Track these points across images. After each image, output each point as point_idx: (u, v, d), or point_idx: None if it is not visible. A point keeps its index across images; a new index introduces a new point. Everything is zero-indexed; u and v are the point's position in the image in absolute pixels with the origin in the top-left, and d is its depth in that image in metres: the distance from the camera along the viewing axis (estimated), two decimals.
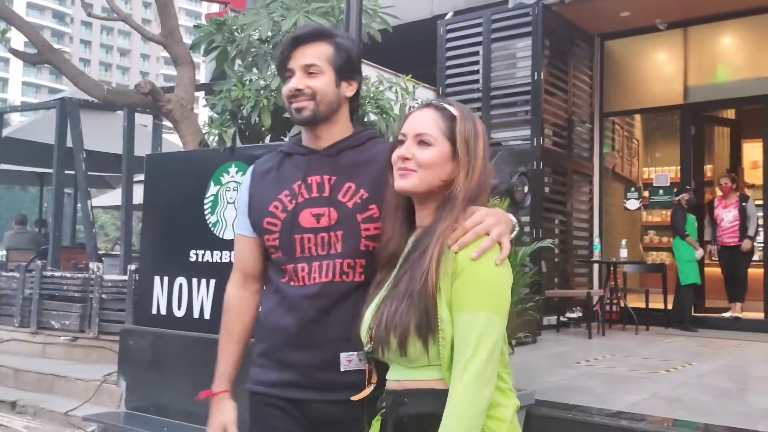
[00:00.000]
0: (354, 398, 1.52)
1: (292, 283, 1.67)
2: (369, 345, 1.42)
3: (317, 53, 1.71)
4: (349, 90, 1.75)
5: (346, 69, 1.73)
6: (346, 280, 1.63)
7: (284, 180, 1.73)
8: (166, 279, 5.03)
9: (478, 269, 1.34)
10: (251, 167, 1.85)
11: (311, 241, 1.66)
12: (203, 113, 7.61)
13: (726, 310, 7.87)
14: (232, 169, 4.74)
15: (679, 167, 8.78)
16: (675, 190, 8.41)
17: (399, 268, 1.45)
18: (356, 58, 1.78)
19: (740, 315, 7.66)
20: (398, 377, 1.41)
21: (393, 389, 1.42)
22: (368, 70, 5.91)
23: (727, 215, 7.90)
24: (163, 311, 5.02)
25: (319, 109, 1.69)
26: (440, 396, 1.33)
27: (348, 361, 1.60)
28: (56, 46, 5.73)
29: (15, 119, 16.42)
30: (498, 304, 1.34)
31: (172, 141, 9.44)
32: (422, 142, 1.43)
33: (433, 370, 1.36)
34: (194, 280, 4.87)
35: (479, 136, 1.46)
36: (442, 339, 1.33)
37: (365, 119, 4.82)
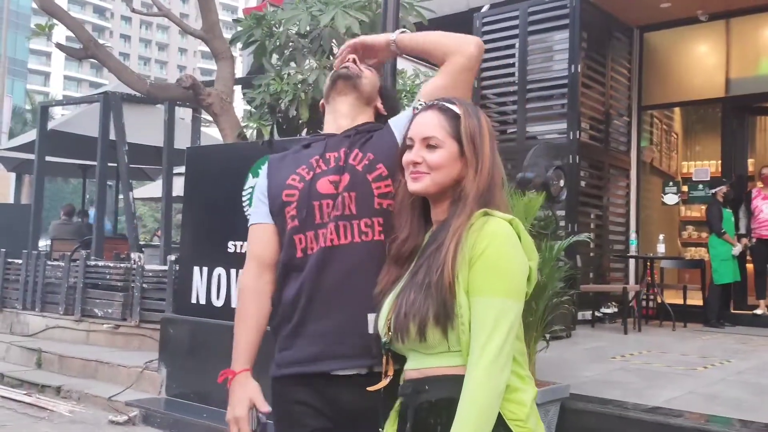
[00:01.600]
0: (371, 389, 1.53)
1: (309, 252, 1.70)
2: (387, 336, 1.46)
3: (369, 72, 1.89)
4: (379, 102, 1.90)
5: (380, 97, 1.92)
6: (365, 240, 1.68)
7: (302, 159, 1.81)
8: (205, 269, 5.13)
9: (493, 254, 1.37)
10: (268, 160, 1.91)
11: (330, 206, 1.71)
12: (241, 107, 7.72)
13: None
14: None
15: (719, 161, 8.62)
16: (711, 184, 8.25)
17: (416, 261, 1.49)
18: (394, 101, 2.01)
19: None
20: (417, 365, 1.44)
21: (412, 378, 1.44)
22: (404, 64, 5.95)
23: (766, 207, 7.69)
24: (203, 301, 5.13)
25: (360, 78, 1.83)
26: (460, 381, 1.34)
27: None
28: (98, 41, 5.87)
29: (57, 112, 16.83)
30: (513, 288, 1.37)
31: (211, 134, 9.60)
32: (430, 146, 1.48)
33: (453, 356, 1.39)
34: (233, 271, 4.96)
35: (485, 132, 1.49)
36: (461, 324, 1.36)
37: (399, 111, 4.86)
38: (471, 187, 1.45)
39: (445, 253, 1.39)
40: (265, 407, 1.71)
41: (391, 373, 1.49)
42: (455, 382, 1.35)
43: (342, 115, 1.84)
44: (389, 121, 1.82)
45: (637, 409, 3.64)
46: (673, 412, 3.56)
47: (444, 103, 1.51)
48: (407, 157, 1.52)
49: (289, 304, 1.74)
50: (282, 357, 1.76)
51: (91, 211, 10.80)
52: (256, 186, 1.89)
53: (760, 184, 8.07)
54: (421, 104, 1.58)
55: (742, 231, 7.98)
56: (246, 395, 1.71)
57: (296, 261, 1.73)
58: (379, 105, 1.90)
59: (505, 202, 1.50)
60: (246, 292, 1.82)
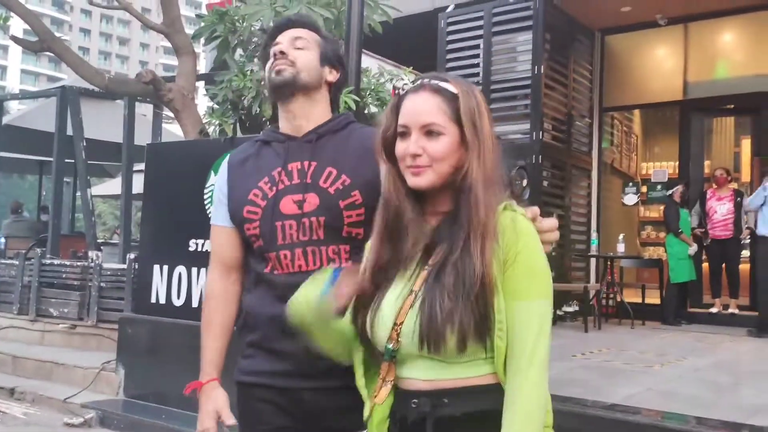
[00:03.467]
0: (376, 401, 1.38)
1: (276, 272, 1.66)
2: (395, 342, 1.30)
3: (305, 33, 1.75)
4: (331, 75, 1.75)
5: (331, 57, 1.75)
6: (334, 267, 1.62)
7: (263, 168, 1.72)
8: (165, 268, 5.05)
9: (530, 255, 1.29)
10: (227, 157, 1.82)
11: (293, 227, 1.64)
12: (203, 103, 7.61)
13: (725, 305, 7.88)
14: None
15: (677, 163, 8.80)
16: (669, 184, 8.42)
17: (433, 258, 1.32)
18: (340, 55, 1.81)
19: (736, 311, 7.69)
20: (430, 376, 1.30)
21: (423, 389, 1.31)
22: (369, 62, 5.92)
23: (720, 208, 7.83)
24: (162, 300, 5.04)
25: (299, 75, 1.68)
26: (492, 392, 1.27)
27: None
28: (56, 34, 5.73)
29: (14, 107, 16.40)
30: (548, 289, 1.31)
31: (172, 131, 9.45)
32: (431, 132, 1.31)
33: (480, 365, 1.28)
34: (194, 269, 4.89)
35: (483, 111, 1.33)
36: (499, 330, 1.26)
37: (365, 111, 4.84)
38: (477, 175, 1.29)
39: (480, 256, 1.25)
40: (230, 420, 1.68)
41: (392, 378, 1.34)
42: (487, 392, 1.27)
43: (296, 116, 1.73)
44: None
45: (595, 406, 3.68)
46: (630, 409, 3.61)
47: (437, 82, 1.33)
48: (403, 148, 1.33)
49: (255, 316, 1.71)
50: (247, 365, 1.73)
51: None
52: (217, 185, 1.81)
53: (714, 186, 8.25)
54: (405, 84, 1.38)
55: (694, 225, 8.01)
56: (213, 407, 1.70)
57: (264, 275, 1.70)
58: (330, 77, 1.75)
59: (502, 182, 1.36)
60: (212, 296, 1.79)
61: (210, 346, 1.75)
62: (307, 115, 1.72)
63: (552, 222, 1.40)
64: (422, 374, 1.30)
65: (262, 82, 4.36)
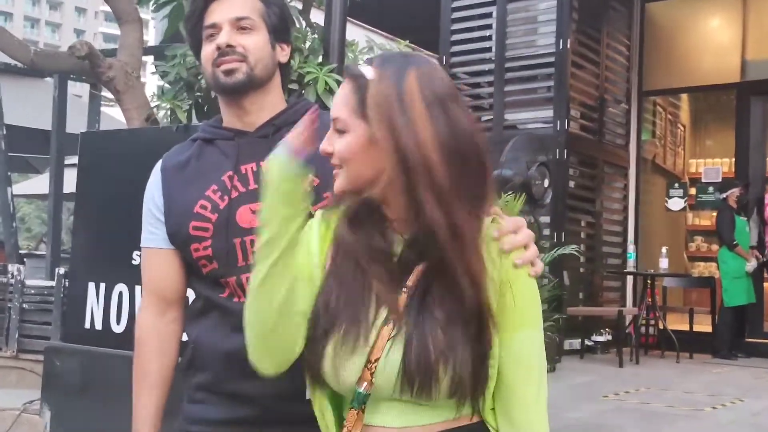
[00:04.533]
0: None
1: (235, 299, 1.64)
2: (366, 385, 1.29)
3: (246, 4, 1.68)
4: (282, 55, 1.73)
5: (280, 28, 1.72)
6: None
7: (209, 172, 1.68)
8: (102, 286, 5.02)
9: (524, 284, 1.32)
10: (158, 163, 1.78)
11: (255, 243, 1.65)
12: (152, 82, 7.60)
13: None
14: None
15: (733, 159, 8.85)
16: (722, 185, 8.44)
17: (412, 280, 1.31)
18: (288, 15, 1.77)
19: None
20: (404, 423, 1.31)
21: None
22: (355, 32, 5.94)
23: None
24: (99, 325, 5.02)
25: (254, 72, 1.66)
26: (478, 431, 1.33)
27: None
28: None
29: None
30: (541, 321, 1.37)
31: (113, 116, 9.44)
32: (338, 130, 1.32)
33: (465, 405, 1.30)
34: (137, 288, 4.88)
35: (411, 95, 1.25)
36: (491, 368, 1.30)
37: None
38: (394, 181, 1.25)
39: (470, 281, 1.25)
40: None
41: (359, 430, 1.33)
42: None
43: (247, 111, 1.71)
44: None
45: None
46: None
47: (357, 69, 1.30)
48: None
49: (207, 352, 1.68)
50: (196, 412, 1.71)
51: None
52: (147, 196, 1.76)
53: None
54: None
55: (753, 243, 8.12)
56: None
57: (219, 301, 1.67)
58: (282, 57, 1.72)
59: (491, 197, 1.32)
60: (145, 340, 1.75)
61: (144, 402, 1.72)
62: (259, 107, 1.71)
63: (514, 223, 1.35)
64: (396, 421, 1.31)
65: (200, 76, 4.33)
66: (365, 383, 1.28)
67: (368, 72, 1.27)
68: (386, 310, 1.29)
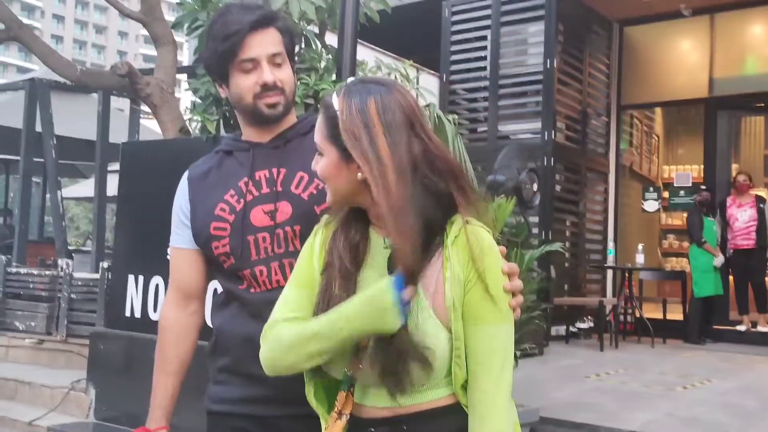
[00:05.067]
0: None
1: (252, 290, 1.66)
2: (354, 370, 1.33)
3: (276, 40, 1.69)
4: (296, 77, 1.77)
5: (293, 54, 1.75)
6: None
7: (228, 179, 1.71)
8: (141, 278, 5.03)
9: (494, 277, 1.33)
10: (185, 173, 1.81)
11: (267, 240, 1.64)
12: (185, 98, 7.60)
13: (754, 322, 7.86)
14: None
15: (702, 166, 8.80)
16: (693, 189, 8.41)
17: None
18: (294, 34, 1.80)
19: (766, 329, 7.67)
20: (387, 403, 1.34)
21: (380, 417, 1.35)
22: (365, 53, 5.92)
23: (741, 215, 7.83)
24: (138, 313, 5.02)
25: (288, 102, 1.70)
26: (454, 412, 1.33)
27: None
28: (26, 21, 5.72)
29: None
30: (510, 312, 1.35)
31: (151, 127, 9.44)
32: (319, 153, 1.38)
33: (441, 388, 1.33)
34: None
35: (374, 124, 1.28)
36: (457, 358, 1.31)
37: None
38: (381, 202, 1.27)
39: (436, 281, 1.30)
40: None
41: (349, 411, 1.37)
42: (449, 413, 1.33)
43: (270, 131, 1.73)
44: None
45: None
46: None
47: (327, 98, 1.36)
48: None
49: (228, 338, 1.70)
50: (219, 392, 1.72)
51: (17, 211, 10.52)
52: (177, 203, 1.79)
53: (734, 192, 8.21)
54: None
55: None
56: None
57: (238, 292, 1.69)
58: (296, 76, 1.76)
59: (479, 209, 1.37)
60: (168, 329, 1.77)
61: (162, 386, 1.74)
62: (279, 126, 1.74)
63: (519, 284, 1.39)
64: (381, 401, 1.34)
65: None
66: (353, 367, 1.33)
67: (336, 103, 1.32)
68: None
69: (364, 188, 1.31)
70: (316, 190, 1.65)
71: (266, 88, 1.66)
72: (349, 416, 1.36)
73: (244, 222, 1.66)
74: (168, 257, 5.14)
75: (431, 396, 1.33)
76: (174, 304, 1.78)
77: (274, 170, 1.69)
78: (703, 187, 8.06)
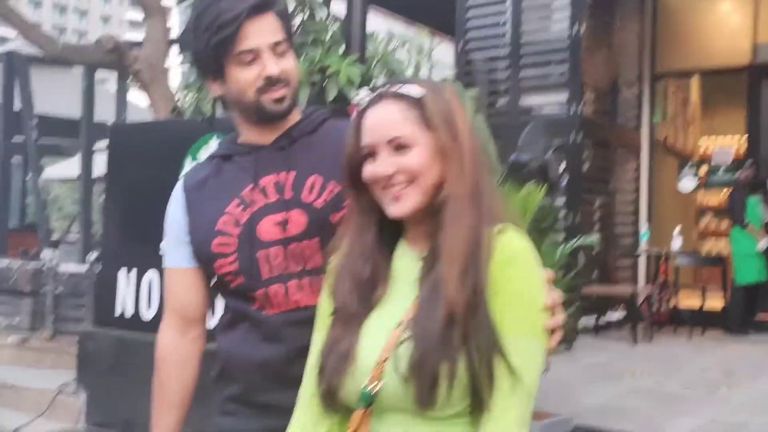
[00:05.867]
0: None
1: (266, 311, 1.59)
2: (376, 383, 1.28)
3: (275, 26, 1.60)
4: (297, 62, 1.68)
5: (292, 41, 1.66)
6: None
7: (229, 188, 1.62)
8: (133, 272, 4.99)
9: (520, 283, 1.29)
10: (179, 182, 1.72)
11: (279, 256, 1.56)
12: (177, 71, 7.51)
13: None
14: (214, 143, 4.68)
15: (743, 138, 8.68)
16: (736, 166, 8.31)
17: (422, 287, 1.31)
18: (290, 19, 1.71)
19: None
20: (401, 429, 1.29)
21: None
22: (376, 22, 5.83)
23: None
24: (130, 311, 4.99)
25: (294, 95, 1.61)
26: None
27: None
28: None
29: None
30: (542, 331, 1.30)
31: (140, 104, 9.37)
32: (399, 146, 1.30)
33: (465, 425, 1.28)
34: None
35: (458, 111, 1.33)
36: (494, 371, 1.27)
37: (370, 83, 4.75)
38: (458, 187, 1.29)
39: (459, 288, 1.25)
40: None
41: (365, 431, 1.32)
42: None
43: (273, 130, 1.64)
44: None
45: None
46: None
47: (395, 88, 1.32)
48: (372, 171, 1.32)
49: (238, 364, 1.63)
50: (229, 425, 1.66)
51: None
52: (170, 217, 1.70)
53: None
54: (363, 99, 1.35)
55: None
56: None
57: (249, 313, 1.61)
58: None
59: (497, 196, 1.37)
60: (166, 359, 1.70)
61: (164, 422, 1.69)
62: (283, 123, 1.65)
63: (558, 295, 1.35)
64: (398, 429, 1.29)
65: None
66: (375, 382, 1.27)
67: (415, 90, 1.31)
68: (398, 316, 1.30)
69: (438, 189, 1.31)
70: (332, 196, 1.57)
71: (270, 81, 1.57)
72: None
73: (251, 236, 1.58)
74: (161, 251, 5.09)
75: (454, 430, 1.28)
76: (172, 331, 1.70)
77: (282, 174, 1.60)
78: (749, 162, 7.90)
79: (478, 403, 1.26)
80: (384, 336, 1.29)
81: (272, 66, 1.57)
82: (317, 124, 1.67)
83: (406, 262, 1.37)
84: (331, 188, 1.58)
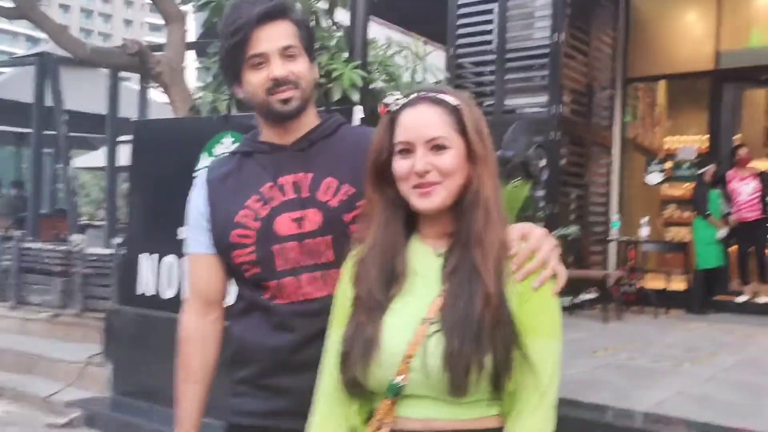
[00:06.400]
0: None
1: (276, 301, 1.55)
2: (405, 377, 1.25)
3: (288, 32, 1.55)
4: (316, 72, 1.63)
5: (311, 47, 1.61)
6: None
7: (249, 184, 1.58)
8: (154, 257, 4.94)
9: (546, 294, 1.30)
10: (203, 173, 1.68)
11: (294, 250, 1.53)
12: (194, 72, 7.42)
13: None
14: (227, 140, 4.61)
15: (705, 137, 8.63)
16: (699, 162, 8.27)
17: (447, 285, 1.28)
18: (313, 33, 1.65)
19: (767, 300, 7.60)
20: (430, 415, 1.26)
21: (436, 430, 1.27)
22: (376, 30, 5.74)
23: (745, 188, 7.69)
24: (151, 291, 4.94)
25: (304, 97, 1.56)
26: None
27: None
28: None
29: None
30: (560, 331, 1.31)
31: (160, 101, 9.27)
32: (437, 147, 1.28)
33: (486, 406, 1.27)
34: (185, 260, 4.78)
35: (484, 120, 1.34)
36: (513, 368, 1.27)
37: (371, 86, 4.67)
38: (489, 189, 1.28)
39: (497, 282, 1.25)
40: None
41: (391, 420, 1.28)
42: None
43: (287, 130, 1.59)
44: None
45: (626, 416, 3.59)
46: (665, 419, 3.51)
47: (435, 94, 1.31)
48: (407, 166, 1.29)
49: (250, 349, 1.59)
50: (240, 404, 1.62)
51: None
52: (193, 204, 1.65)
53: (735, 166, 8.03)
54: (397, 99, 1.33)
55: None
56: None
57: (261, 302, 1.57)
58: (316, 74, 1.62)
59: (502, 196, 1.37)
60: (189, 339, 1.66)
61: (187, 398, 1.64)
62: (299, 125, 1.60)
63: (535, 241, 1.33)
64: (420, 413, 1.27)
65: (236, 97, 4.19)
66: (402, 376, 1.25)
67: (452, 99, 1.31)
68: (421, 312, 1.27)
69: (464, 188, 1.31)
70: (346, 197, 1.54)
71: (277, 83, 1.52)
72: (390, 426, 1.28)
73: (268, 231, 1.54)
74: (179, 237, 5.00)
75: (477, 413, 1.26)
76: (194, 313, 1.66)
77: (300, 175, 1.56)
78: (714, 164, 7.82)
79: (497, 389, 1.26)
80: (409, 330, 1.26)
81: (278, 68, 1.53)
82: (334, 129, 1.63)
83: (422, 258, 1.34)
84: (345, 189, 1.55)
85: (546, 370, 1.25)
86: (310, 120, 1.62)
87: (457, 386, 1.22)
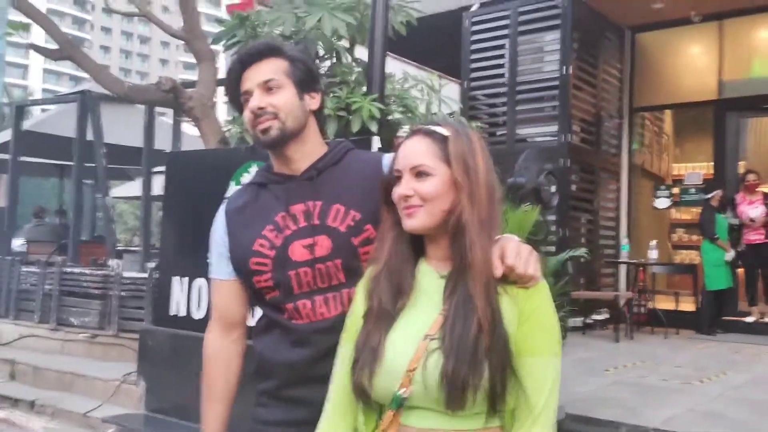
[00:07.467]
0: None
1: (295, 321, 1.58)
2: (406, 390, 1.26)
3: (273, 68, 1.59)
4: (313, 102, 1.63)
5: (306, 80, 1.62)
6: None
7: (265, 214, 1.61)
8: (185, 280, 4.97)
9: (544, 310, 1.30)
10: (222, 205, 1.71)
11: (308, 274, 1.56)
12: (224, 106, 7.53)
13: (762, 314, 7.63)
14: (254, 169, 4.66)
15: (710, 164, 8.55)
16: (705, 187, 8.18)
17: (447, 305, 1.30)
18: (315, 68, 1.67)
19: None
20: (429, 425, 1.27)
21: None
22: (393, 65, 5.80)
23: (753, 212, 7.62)
24: (182, 312, 4.96)
25: (285, 126, 1.57)
26: None
27: None
28: (77, 33, 5.70)
29: (35, 110, 16.53)
30: (560, 347, 1.32)
31: (193, 134, 9.41)
32: (420, 174, 1.33)
33: (486, 418, 1.27)
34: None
35: (477, 151, 1.35)
36: (511, 387, 1.27)
37: (389, 117, 4.72)
38: (470, 216, 1.30)
39: (486, 306, 1.25)
40: None
41: (395, 430, 1.30)
42: None
43: (291, 159, 1.62)
44: (382, 158, 1.63)
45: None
46: None
47: (429, 127, 1.37)
48: (397, 191, 1.36)
49: (271, 364, 1.62)
50: (261, 414, 1.64)
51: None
52: (215, 235, 1.69)
53: (743, 191, 7.93)
54: (405, 132, 1.44)
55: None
56: None
57: (281, 321, 1.60)
58: (312, 105, 1.63)
59: (501, 223, 1.38)
60: (212, 358, 1.68)
61: (212, 414, 1.67)
62: (301, 155, 1.62)
63: (517, 249, 1.32)
64: (422, 423, 1.28)
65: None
66: (405, 388, 1.26)
67: (443, 131, 1.35)
68: (424, 328, 1.28)
69: (450, 214, 1.32)
70: (353, 222, 1.57)
71: (256, 114, 1.57)
72: None
73: (284, 258, 1.57)
74: (208, 261, 5.04)
75: (476, 424, 1.26)
76: (217, 334, 1.69)
77: (310, 203, 1.59)
78: (718, 191, 7.73)
79: (493, 403, 1.26)
80: (411, 346, 1.28)
81: (254, 100, 1.57)
82: (340, 157, 1.65)
83: (427, 278, 1.37)
84: (352, 215, 1.57)
85: (543, 391, 1.25)
86: (315, 148, 1.64)
87: (454, 402, 1.23)
